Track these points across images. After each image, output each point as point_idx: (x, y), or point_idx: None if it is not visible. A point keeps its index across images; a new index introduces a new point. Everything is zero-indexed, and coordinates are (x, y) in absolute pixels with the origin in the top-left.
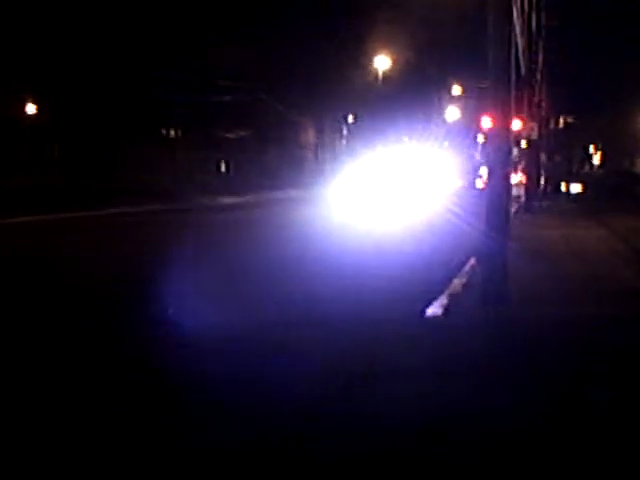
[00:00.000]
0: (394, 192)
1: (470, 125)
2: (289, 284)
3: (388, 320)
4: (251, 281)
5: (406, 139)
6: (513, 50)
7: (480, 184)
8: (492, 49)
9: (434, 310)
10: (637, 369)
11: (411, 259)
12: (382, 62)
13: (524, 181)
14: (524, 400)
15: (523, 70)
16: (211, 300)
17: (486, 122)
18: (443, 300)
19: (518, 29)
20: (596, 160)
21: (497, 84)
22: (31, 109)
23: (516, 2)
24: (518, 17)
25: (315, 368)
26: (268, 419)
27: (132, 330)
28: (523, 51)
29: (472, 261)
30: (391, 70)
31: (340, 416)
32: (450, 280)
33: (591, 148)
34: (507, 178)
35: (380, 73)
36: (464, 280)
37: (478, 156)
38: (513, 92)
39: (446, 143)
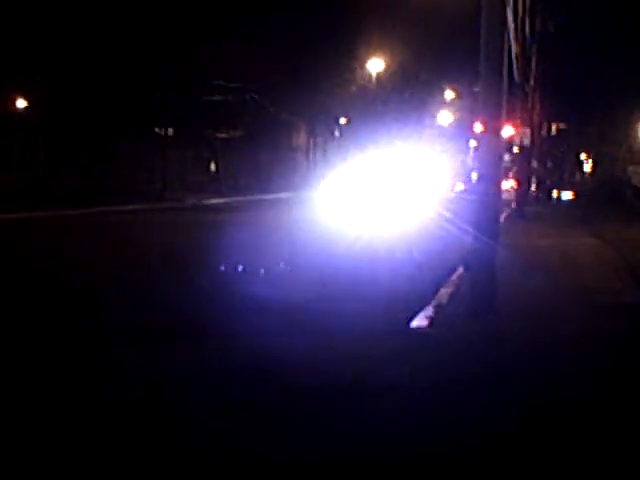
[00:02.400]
0: (385, 196)
1: (462, 129)
2: (265, 291)
3: (370, 333)
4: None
5: (399, 142)
6: (506, 55)
7: (469, 188)
8: (484, 55)
9: (420, 322)
10: (622, 388)
11: (399, 266)
12: (375, 65)
13: (515, 187)
14: (506, 418)
15: (516, 75)
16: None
17: (477, 127)
18: (429, 311)
19: (512, 34)
20: (587, 167)
21: (488, 90)
22: (21, 104)
23: (509, 6)
24: (512, 22)
25: (297, 382)
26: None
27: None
28: (517, 56)
29: (460, 270)
30: (384, 73)
31: (318, 431)
32: (437, 289)
33: (583, 155)
34: (497, 184)
35: (373, 76)
36: (452, 290)
37: (470, 161)
38: (505, 98)
39: (439, 147)
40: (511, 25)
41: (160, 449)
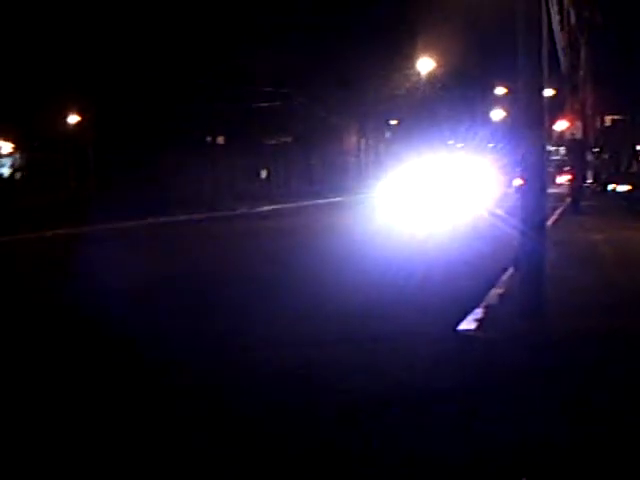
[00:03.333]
0: (439, 196)
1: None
2: (320, 296)
3: (420, 335)
4: (278, 294)
5: (451, 142)
6: (550, 47)
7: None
8: (521, 54)
9: (468, 324)
10: None
11: (451, 267)
12: (425, 64)
13: (570, 181)
14: (559, 425)
15: (563, 67)
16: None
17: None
18: (478, 313)
19: (557, 26)
20: None
21: (526, 88)
22: (72, 120)
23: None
24: (557, 13)
25: (345, 386)
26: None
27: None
28: (564, 48)
29: (511, 270)
30: (434, 72)
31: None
32: (487, 290)
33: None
34: (542, 180)
35: (423, 76)
36: (502, 290)
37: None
38: (551, 91)
39: (491, 145)
40: (556, 17)
41: None
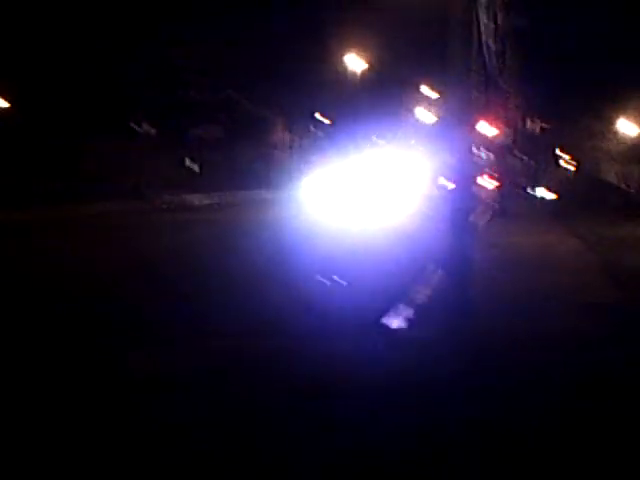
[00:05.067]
0: (366, 194)
1: (441, 125)
2: (242, 290)
3: (341, 331)
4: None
5: (377, 139)
6: (480, 52)
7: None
8: (451, 56)
9: (390, 320)
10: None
11: (376, 265)
12: (352, 61)
13: (496, 186)
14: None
15: (492, 73)
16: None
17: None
18: (401, 310)
19: (486, 29)
20: (568, 166)
21: (454, 89)
22: None
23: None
24: (489, 19)
25: (265, 380)
26: None
27: None
28: (492, 52)
29: (438, 268)
30: (362, 69)
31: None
32: (412, 288)
33: (563, 155)
34: (468, 181)
35: (351, 72)
36: (427, 289)
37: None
38: (476, 94)
39: (416, 143)
40: (484, 20)
41: None
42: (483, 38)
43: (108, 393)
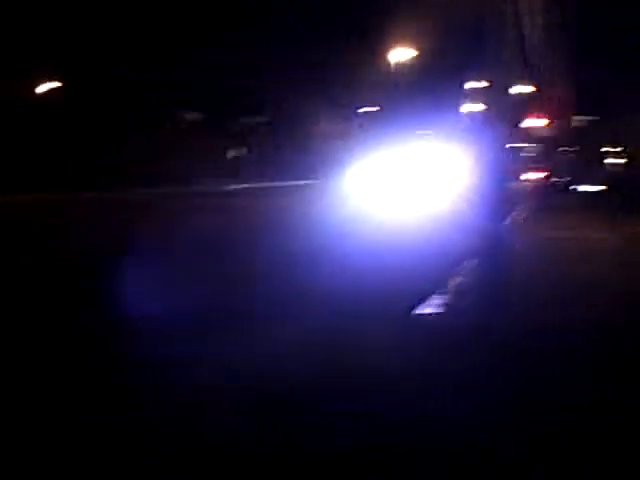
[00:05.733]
0: (409, 184)
1: (485, 118)
2: (276, 276)
3: (377, 316)
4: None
5: (424, 131)
6: (523, 46)
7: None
8: (492, 52)
9: (425, 309)
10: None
11: (415, 253)
12: (401, 53)
13: (540, 178)
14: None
15: (542, 67)
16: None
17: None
18: (437, 298)
19: (528, 26)
20: (620, 159)
21: (495, 85)
22: (42, 89)
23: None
24: (536, 14)
25: (295, 366)
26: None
27: None
28: (535, 48)
29: (475, 259)
30: (410, 61)
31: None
32: (449, 277)
33: (615, 147)
34: (511, 175)
35: (399, 64)
36: (463, 279)
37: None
38: (512, 92)
39: (461, 136)
40: (526, 17)
41: None
42: (526, 32)
43: None
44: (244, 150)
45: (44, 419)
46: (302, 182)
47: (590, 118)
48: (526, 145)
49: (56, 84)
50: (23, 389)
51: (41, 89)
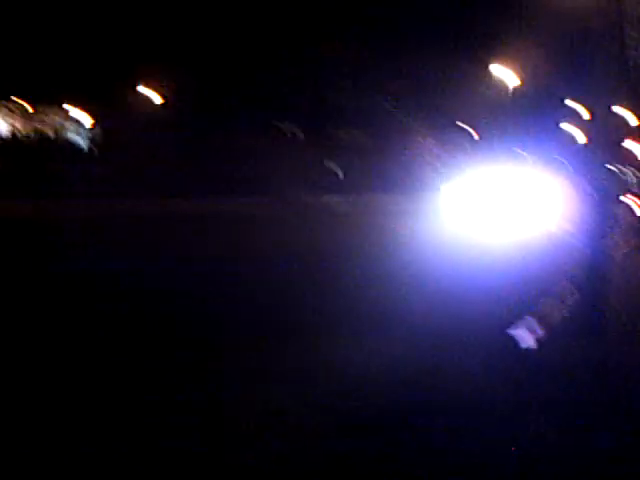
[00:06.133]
0: (505, 205)
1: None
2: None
3: (467, 338)
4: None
5: (527, 154)
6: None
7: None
8: (594, 71)
9: (518, 332)
10: None
11: (510, 276)
12: (500, 71)
13: None
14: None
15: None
16: None
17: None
18: (530, 322)
19: (631, 42)
20: None
21: (598, 106)
22: (157, 99)
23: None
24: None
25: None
26: None
27: None
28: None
29: (572, 284)
30: (510, 81)
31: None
32: (544, 302)
33: None
34: (611, 200)
35: (498, 83)
36: (559, 303)
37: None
38: (615, 112)
39: (562, 158)
40: (630, 33)
41: None
42: (631, 52)
43: None
44: (343, 163)
45: None
46: (397, 198)
47: None
48: (627, 168)
49: (155, 92)
50: None
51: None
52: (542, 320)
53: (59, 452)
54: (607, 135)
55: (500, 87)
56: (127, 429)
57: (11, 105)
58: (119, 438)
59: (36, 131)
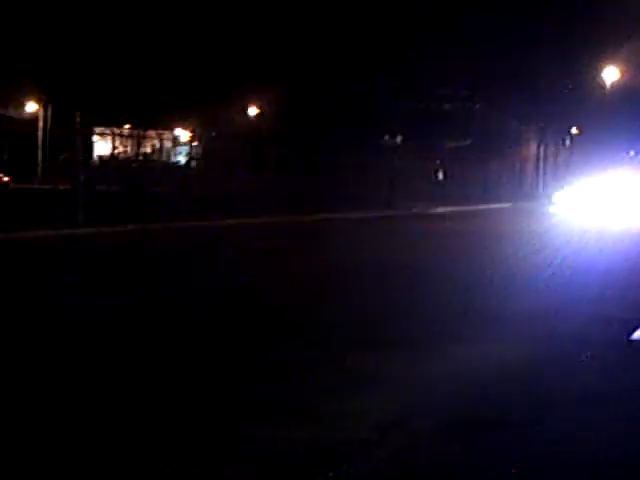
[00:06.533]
0: (620, 209)
1: None
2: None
3: (594, 340)
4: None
5: (632, 154)
6: None
7: None
8: None
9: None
10: None
11: (630, 278)
12: (610, 73)
13: None
14: None
15: None
16: None
17: None
18: None
19: None
20: None
21: None
22: (253, 111)
23: None
24: None
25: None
26: None
27: None
28: None
29: None
30: (619, 82)
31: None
32: None
33: None
34: None
35: (608, 84)
36: None
37: None
38: None
39: None
40: None
41: None
42: None
43: None
44: (442, 172)
45: None
46: (505, 206)
47: None
48: None
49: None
50: None
51: (250, 113)
52: None
53: None
54: None
55: (611, 90)
56: None
57: (114, 129)
58: None
59: (138, 154)
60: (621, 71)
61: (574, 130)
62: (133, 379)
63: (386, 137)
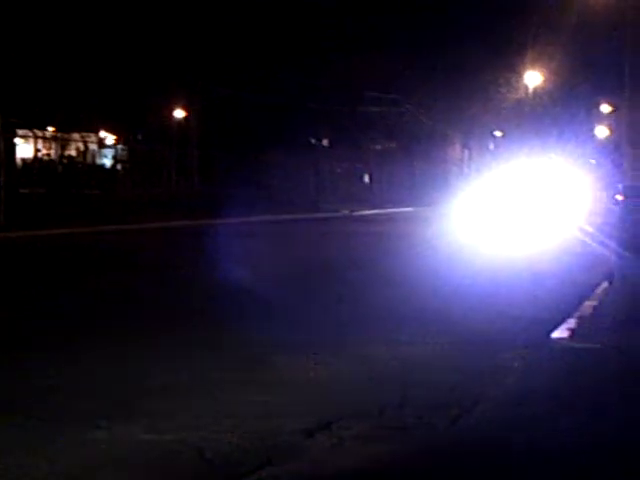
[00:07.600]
0: (534, 209)
1: (618, 144)
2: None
3: (515, 340)
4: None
5: (553, 156)
6: None
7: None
8: (627, 71)
9: (561, 333)
10: None
11: (541, 280)
12: (532, 77)
13: None
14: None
15: None
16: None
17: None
18: (571, 323)
19: None
20: None
21: (631, 105)
22: (179, 114)
23: None
24: None
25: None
26: None
27: None
28: None
29: (605, 284)
30: (541, 86)
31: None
32: (580, 303)
33: None
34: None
35: (530, 89)
36: (595, 304)
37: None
38: None
39: (593, 161)
40: None
41: None
42: None
43: None
44: (369, 175)
45: None
46: (426, 209)
47: None
48: None
49: (190, 111)
50: None
51: (177, 115)
52: (584, 321)
53: None
54: (632, 135)
55: (533, 93)
56: None
57: (37, 131)
58: None
59: (63, 156)
60: (543, 75)
61: (497, 133)
62: None
63: (312, 140)
